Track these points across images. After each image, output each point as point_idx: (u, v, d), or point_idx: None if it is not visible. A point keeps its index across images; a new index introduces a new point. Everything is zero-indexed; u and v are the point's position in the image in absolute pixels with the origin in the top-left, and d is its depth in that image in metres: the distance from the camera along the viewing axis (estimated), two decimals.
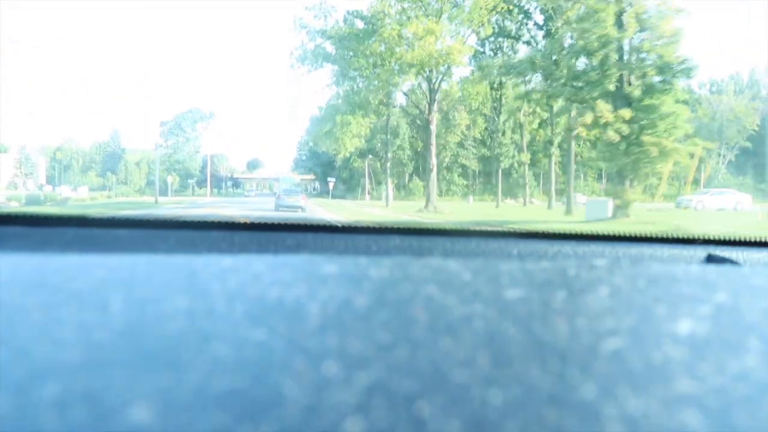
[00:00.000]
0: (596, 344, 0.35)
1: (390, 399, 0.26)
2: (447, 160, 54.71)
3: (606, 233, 1.03)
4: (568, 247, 0.97)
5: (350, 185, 54.12)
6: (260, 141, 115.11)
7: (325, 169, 60.21)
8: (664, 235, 1.02)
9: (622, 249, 0.97)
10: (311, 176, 69.37)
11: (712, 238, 1.00)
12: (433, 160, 24.83)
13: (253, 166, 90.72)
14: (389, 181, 30.57)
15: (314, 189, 67.96)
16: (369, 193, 52.81)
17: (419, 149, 55.25)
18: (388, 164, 32.82)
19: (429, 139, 25.60)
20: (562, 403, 0.27)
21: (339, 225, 1.02)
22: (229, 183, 73.56)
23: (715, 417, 0.26)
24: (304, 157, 75.18)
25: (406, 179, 55.16)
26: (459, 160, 54.94)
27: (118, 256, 0.60)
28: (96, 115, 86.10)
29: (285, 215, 14.19)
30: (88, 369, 0.29)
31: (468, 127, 54.07)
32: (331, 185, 45.61)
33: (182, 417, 0.24)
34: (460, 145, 54.95)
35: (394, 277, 0.55)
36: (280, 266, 0.58)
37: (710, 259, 0.92)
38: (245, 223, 0.98)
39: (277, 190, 30.38)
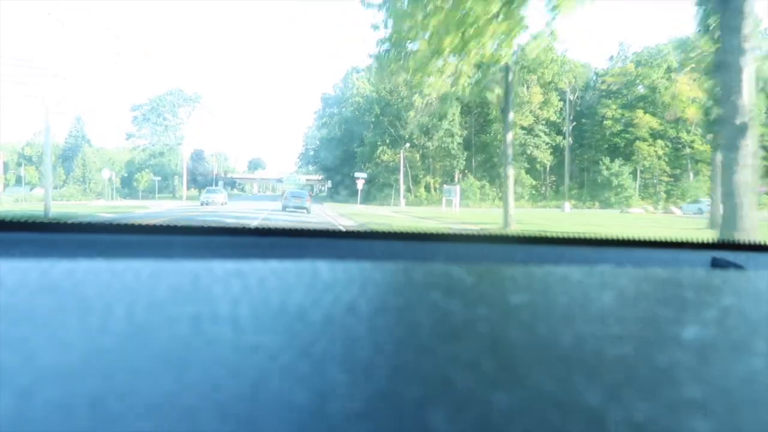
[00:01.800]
0: (601, 348, 0.35)
1: (395, 403, 0.26)
2: (512, 150, 39.69)
3: (611, 238, 1.04)
4: (572, 252, 0.97)
5: (376, 185, 39.16)
6: (263, 139, 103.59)
7: (330, 168, 45.54)
8: (670, 240, 1.03)
9: (627, 253, 0.98)
10: (318, 176, 55.22)
11: (716, 242, 1.01)
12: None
13: (254, 165, 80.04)
14: (509, 177, 14.22)
15: (320, 191, 55.04)
16: (404, 196, 38.18)
17: (472, 136, 40.65)
18: (510, 135, 16.36)
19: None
20: (568, 407, 0.27)
21: (343, 230, 1.04)
22: (221, 183, 59.43)
23: (721, 421, 0.26)
24: (311, 152, 60.51)
25: (457, 177, 40.18)
26: (527, 151, 39.84)
27: (124, 262, 0.61)
28: (72, 105, 72.46)
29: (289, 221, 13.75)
30: (94, 373, 0.29)
31: (540, 106, 39.43)
32: (359, 184, 31.04)
33: (187, 421, 0.24)
34: (529, 130, 39.80)
35: (399, 281, 0.56)
36: (285, 271, 0.58)
37: (715, 263, 0.93)
38: (250, 229, 1.00)
39: (283, 192, 29.79)
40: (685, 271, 0.79)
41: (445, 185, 29.20)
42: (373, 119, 41.35)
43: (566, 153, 33.16)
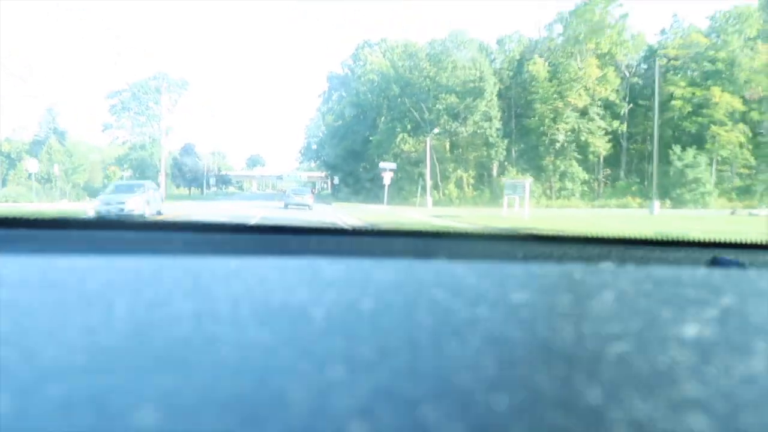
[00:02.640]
0: (602, 347, 0.35)
1: (395, 403, 0.26)
2: (562, 138, 32.24)
3: (612, 236, 1.04)
4: (573, 250, 0.98)
5: (394, 181, 31.90)
6: (262, 138, 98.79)
7: (337, 161, 38.32)
8: (670, 238, 1.04)
9: (627, 252, 0.98)
10: (321, 173, 48.56)
11: (717, 241, 1.02)
12: None
13: (253, 162, 74.50)
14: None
15: (323, 188, 51.52)
16: (430, 194, 31.04)
17: (512, 120, 33.42)
18: None
19: None
20: (568, 407, 0.27)
21: (344, 227, 1.06)
22: (214, 181, 52.66)
23: (721, 421, 0.26)
24: (314, 146, 53.33)
25: (494, 169, 32.89)
26: (581, 138, 32.40)
27: (124, 258, 0.61)
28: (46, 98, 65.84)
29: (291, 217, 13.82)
30: (94, 370, 0.29)
31: (597, 83, 32.12)
32: (386, 178, 23.96)
33: (187, 419, 0.24)
34: (583, 112, 32.31)
35: (400, 279, 0.56)
36: (286, 268, 0.58)
37: (716, 261, 0.94)
38: (251, 226, 0.99)
39: (285, 190, 27.57)
40: (686, 269, 0.79)
41: (506, 179, 22.14)
42: (388, 102, 34.26)
43: (654, 138, 25.89)
